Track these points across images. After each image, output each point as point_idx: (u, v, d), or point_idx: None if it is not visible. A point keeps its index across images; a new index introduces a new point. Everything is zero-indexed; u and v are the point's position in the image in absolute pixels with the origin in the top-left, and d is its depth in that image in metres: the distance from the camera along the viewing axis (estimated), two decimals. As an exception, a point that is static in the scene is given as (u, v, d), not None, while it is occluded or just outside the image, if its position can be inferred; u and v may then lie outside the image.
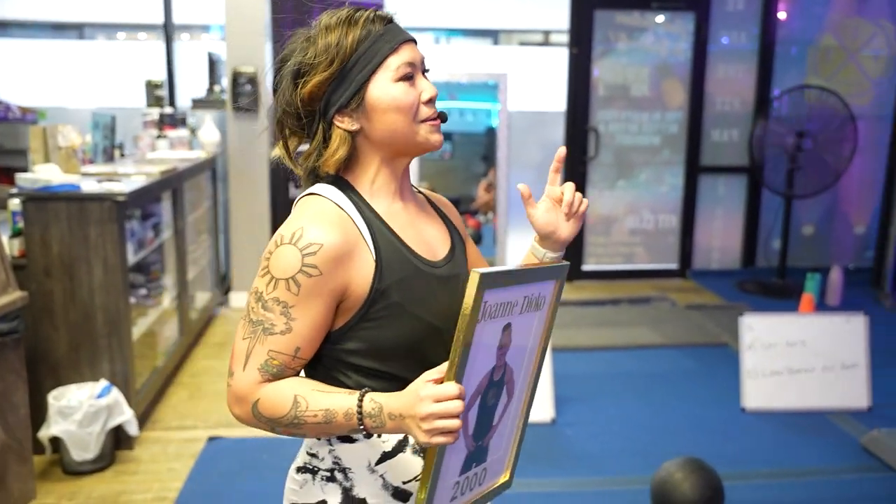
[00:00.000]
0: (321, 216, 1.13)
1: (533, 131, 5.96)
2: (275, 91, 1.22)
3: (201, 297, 4.66)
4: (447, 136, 6.81)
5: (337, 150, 1.17)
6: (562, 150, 1.30)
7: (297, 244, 1.09)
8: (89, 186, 3.01)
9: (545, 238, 1.26)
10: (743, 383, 3.61)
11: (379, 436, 1.18)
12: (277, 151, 1.25)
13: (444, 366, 1.03)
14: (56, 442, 2.93)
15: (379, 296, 1.13)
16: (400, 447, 1.20)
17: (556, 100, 5.89)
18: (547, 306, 1.19)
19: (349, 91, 1.15)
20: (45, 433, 2.87)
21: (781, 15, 5.80)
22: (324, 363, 1.18)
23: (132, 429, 3.02)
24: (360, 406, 1.07)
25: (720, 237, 6.16)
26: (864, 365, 3.64)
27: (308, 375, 1.19)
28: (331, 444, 1.20)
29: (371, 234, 1.15)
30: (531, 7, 6.16)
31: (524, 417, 1.25)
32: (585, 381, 3.91)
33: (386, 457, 1.19)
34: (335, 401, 1.08)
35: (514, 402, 1.20)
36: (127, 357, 3.07)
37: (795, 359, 3.63)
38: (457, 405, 1.00)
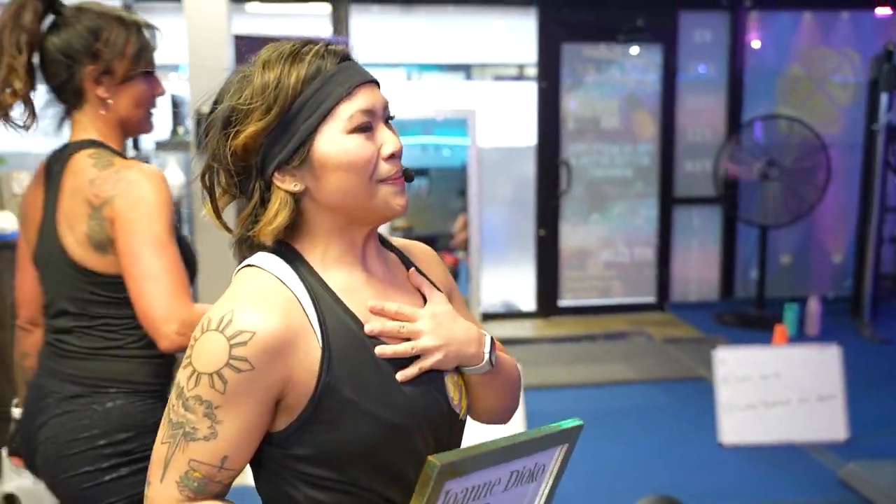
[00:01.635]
0: (257, 296, 0.97)
1: (505, 166, 6.04)
2: (204, 136, 1.06)
3: (167, 343, 4.64)
4: (423, 172, 6.88)
5: (276, 215, 0.99)
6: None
7: (224, 332, 0.94)
8: (45, 234, 3.02)
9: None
10: (719, 418, 3.64)
11: None
12: (205, 212, 1.08)
13: None
14: (11, 499, 2.89)
15: (327, 392, 0.97)
16: None
17: (528, 134, 5.98)
18: (547, 475, 1.02)
19: (292, 144, 0.97)
20: (-1, 490, 2.84)
21: (756, 44, 5.96)
22: (268, 470, 1.02)
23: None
24: None
25: (697, 269, 6.23)
26: (840, 396, 3.67)
27: (255, 481, 1.06)
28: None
29: (319, 317, 0.98)
30: (503, 41, 6.27)
31: None
32: (558, 419, 3.90)
33: None
34: None
35: None
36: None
37: (770, 392, 3.67)
38: None
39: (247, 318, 0.94)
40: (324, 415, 0.97)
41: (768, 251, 5.93)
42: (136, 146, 5.30)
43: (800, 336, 5.19)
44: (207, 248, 4.97)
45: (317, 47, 0.99)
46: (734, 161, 5.63)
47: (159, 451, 0.98)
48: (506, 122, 6.16)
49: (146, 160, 4.78)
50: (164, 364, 1.67)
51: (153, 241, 1.48)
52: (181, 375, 0.96)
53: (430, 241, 1.34)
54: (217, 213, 1.07)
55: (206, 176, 1.05)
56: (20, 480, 2.82)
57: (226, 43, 4.76)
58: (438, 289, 1.14)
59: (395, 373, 1.01)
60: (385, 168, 1.00)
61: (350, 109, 0.98)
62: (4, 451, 2.87)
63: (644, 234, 6.12)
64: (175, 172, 4.81)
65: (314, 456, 0.98)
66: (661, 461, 3.49)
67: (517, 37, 6.05)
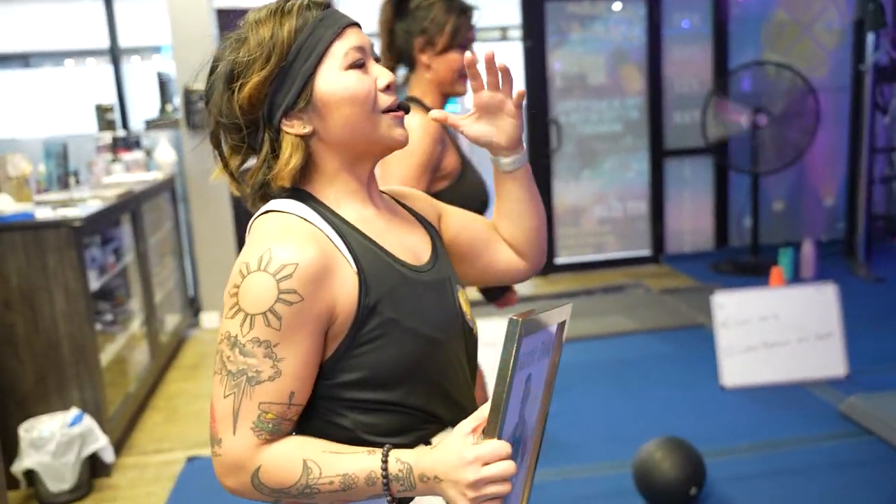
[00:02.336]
0: (288, 233, 0.99)
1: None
2: (207, 103, 1.08)
3: (171, 320, 4.68)
4: (410, 140, 6.88)
5: (290, 158, 1.03)
6: (481, 55, 1.16)
7: (267, 269, 0.95)
8: (44, 214, 3.04)
9: (493, 148, 1.18)
10: (719, 361, 3.69)
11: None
12: (217, 174, 1.12)
13: (481, 413, 0.93)
14: (30, 475, 2.94)
15: (368, 313, 1.00)
16: None
17: (516, 94, 5.97)
18: (552, 350, 1.08)
19: (294, 88, 1.02)
20: (18, 467, 2.89)
21: (735, -6, 5.95)
22: (314, 405, 1.03)
23: (108, 456, 3.05)
24: (384, 468, 0.95)
25: (691, 220, 6.27)
26: (838, 334, 3.73)
27: (298, 425, 1.05)
28: None
29: (347, 246, 1.02)
30: (484, 4, 6.25)
31: (532, 471, 1.11)
32: (562, 372, 3.94)
33: None
34: (354, 463, 0.96)
35: (526, 458, 1.06)
36: (97, 384, 3.10)
37: (770, 333, 3.72)
38: (509, 467, 0.90)
39: (286, 253, 0.96)
40: (367, 336, 1.00)
41: (761, 198, 5.98)
42: (125, 126, 5.30)
43: (796, 280, 5.24)
44: (203, 222, 5.00)
45: (300, 1, 1.04)
46: (726, 109, 5.64)
47: (223, 405, 0.97)
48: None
49: (136, 140, 4.78)
50: None
51: (403, 175, 1.83)
52: (230, 325, 0.96)
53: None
54: (231, 172, 1.10)
55: (216, 137, 1.09)
56: (38, 457, 2.87)
57: (209, 17, 4.74)
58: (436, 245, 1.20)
59: (424, 291, 1.06)
60: (384, 98, 1.05)
61: (343, 47, 1.03)
62: (22, 430, 2.92)
63: (636, 187, 6.15)
64: (166, 150, 4.81)
65: (360, 380, 1.01)
66: (665, 407, 3.55)
67: (499, -2, 6.02)
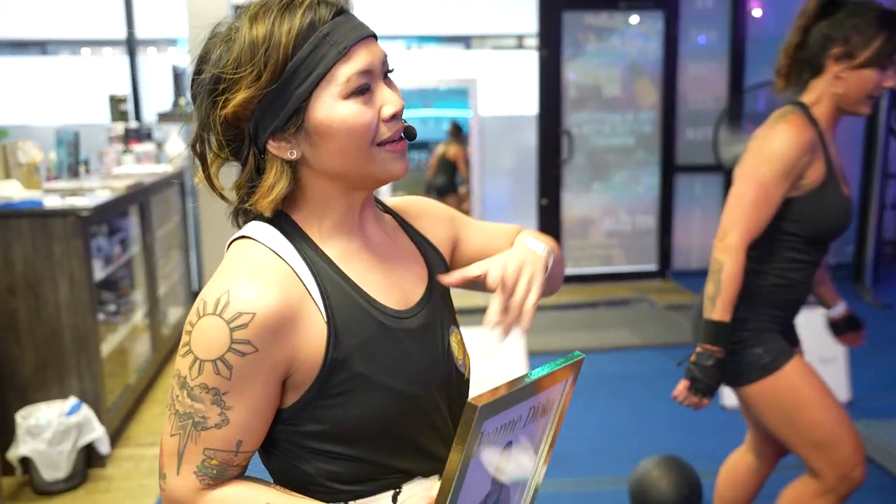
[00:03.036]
0: (254, 272, 0.91)
1: (506, 136, 6.05)
2: (193, 101, 0.98)
3: (174, 313, 4.68)
4: (423, 145, 6.88)
5: (274, 186, 0.93)
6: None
7: (222, 315, 0.88)
8: (52, 202, 3.04)
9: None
10: (721, 380, 3.67)
11: None
12: (198, 178, 1.01)
13: (429, 496, 0.90)
14: (26, 462, 2.94)
15: (336, 367, 0.93)
16: None
17: (529, 103, 5.98)
18: (556, 407, 1.01)
19: (285, 111, 0.90)
20: (14, 454, 2.89)
21: (757, 12, 5.93)
22: (278, 447, 0.99)
23: (103, 446, 3.04)
24: None
25: (699, 236, 6.25)
26: (842, 358, 3.71)
27: (263, 459, 1.03)
28: None
29: (321, 290, 0.94)
30: (502, 12, 6.25)
31: None
32: (564, 384, 3.96)
33: None
34: None
35: None
36: (96, 374, 3.09)
37: (773, 354, 3.70)
38: None
39: (245, 297, 0.88)
40: (334, 390, 0.93)
41: (770, 218, 5.94)
42: (137, 118, 5.31)
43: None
44: (211, 217, 5.00)
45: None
46: (739, 128, 5.63)
47: (170, 443, 0.93)
48: (507, 91, 6.16)
49: (148, 132, 4.79)
50: None
51: (749, 176, 1.89)
52: (181, 364, 0.91)
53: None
54: (209, 179, 0.99)
55: (197, 144, 0.98)
56: (34, 444, 2.87)
57: (225, 11, 4.75)
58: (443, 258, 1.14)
59: (405, 339, 0.98)
60: (384, 131, 0.94)
61: (347, 72, 0.90)
62: (19, 416, 2.92)
63: (645, 202, 6.14)
64: (177, 143, 4.82)
65: (325, 432, 0.95)
66: (664, 424, 3.53)
67: (516, 7, 6.03)
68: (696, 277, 6.07)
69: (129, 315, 3.86)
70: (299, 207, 0.98)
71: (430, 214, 1.16)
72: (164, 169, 4.47)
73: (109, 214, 3.45)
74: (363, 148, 0.92)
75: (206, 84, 0.93)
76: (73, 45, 6.74)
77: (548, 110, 5.86)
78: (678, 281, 6.07)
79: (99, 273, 3.31)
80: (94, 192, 3.40)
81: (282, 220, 0.98)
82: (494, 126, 5.99)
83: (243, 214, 1.01)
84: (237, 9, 0.96)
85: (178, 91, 5.11)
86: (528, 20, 5.92)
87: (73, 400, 2.98)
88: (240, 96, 0.90)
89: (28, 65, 6.32)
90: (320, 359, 0.92)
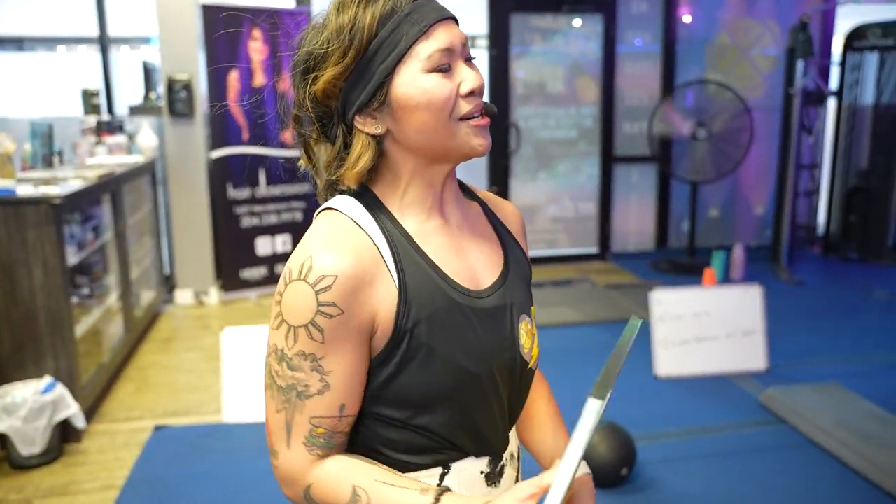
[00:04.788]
0: (332, 239, 0.89)
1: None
2: (292, 87, 0.97)
3: (146, 296, 4.57)
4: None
5: (359, 158, 0.91)
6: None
7: (307, 279, 0.86)
8: (25, 190, 2.93)
9: None
10: (655, 353, 3.71)
11: None
12: (303, 163, 1.00)
13: (540, 482, 0.83)
14: (3, 438, 2.85)
15: (404, 335, 0.89)
16: None
17: (480, 99, 5.95)
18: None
19: (370, 86, 0.89)
20: (-10, 431, 2.79)
21: (686, 18, 5.98)
22: None
23: (79, 422, 2.96)
24: None
25: (635, 222, 6.32)
26: (761, 331, 3.78)
27: None
28: None
29: (395, 260, 0.91)
30: (456, 14, 6.21)
31: None
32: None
33: None
34: (404, 499, 0.87)
35: None
36: (71, 354, 3.00)
37: (701, 328, 3.75)
38: None
39: (326, 262, 0.86)
40: (399, 356, 0.90)
41: (698, 205, 6.04)
42: (110, 111, 5.15)
43: (726, 280, 5.30)
44: (181, 205, 4.89)
45: None
46: (669, 122, 5.68)
47: (276, 419, 0.90)
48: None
49: (120, 125, 4.65)
50: None
51: None
52: (276, 337, 0.88)
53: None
54: (312, 161, 0.98)
55: (296, 125, 0.97)
56: (10, 421, 2.77)
57: (194, 13, 4.62)
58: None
59: (475, 318, 0.94)
60: (464, 106, 0.90)
61: (428, 49, 0.88)
62: (-6, 395, 2.82)
63: (587, 190, 6.17)
64: (148, 135, 4.69)
65: (386, 396, 0.92)
66: (603, 392, 3.55)
67: (469, 9, 5.98)
68: (633, 259, 6.14)
69: (102, 298, 3.75)
70: (384, 181, 0.95)
71: (514, 218, 1.11)
72: (136, 160, 4.34)
73: (82, 202, 3.34)
74: (444, 120, 0.89)
75: (300, 63, 0.92)
76: (50, 42, 6.52)
77: (497, 105, 5.82)
78: (617, 262, 6.12)
79: (72, 258, 3.21)
80: (66, 182, 3.29)
81: (366, 194, 0.95)
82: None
83: (332, 190, 0.98)
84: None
85: (149, 86, 4.98)
86: (479, 22, 5.88)
87: (47, 379, 2.89)
88: (328, 73, 0.89)
89: (5, 61, 6.08)
90: (391, 325, 0.89)
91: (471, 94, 0.90)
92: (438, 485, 0.94)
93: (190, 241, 4.94)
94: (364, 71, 0.89)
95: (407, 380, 0.90)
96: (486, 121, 0.92)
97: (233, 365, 3.23)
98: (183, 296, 5.01)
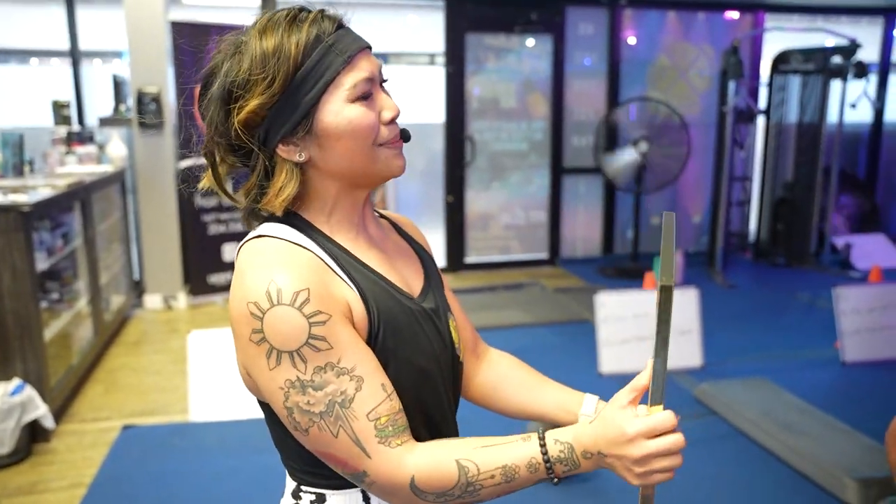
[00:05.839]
0: (280, 260, 0.84)
1: (417, 141, 6.03)
2: (203, 118, 0.92)
3: (116, 300, 4.50)
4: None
5: (284, 186, 0.88)
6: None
7: (282, 302, 0.81)
8: (-5, 199, 2.87)
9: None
10: (599, 352, 3.77)
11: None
12: (206, 182, 0.95)
13: (636, 385, 0.81)
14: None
15: (374, 339, 0.88)
16: None
17: (437, 113, 5.98)
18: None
19: (296, 116, 0.86)
20: (-41, 432, 2.72)
21: (631, 40, 6.09)
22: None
23: (48, 422, 2.90)
24: (545, 451, 0.83)
25: (583, 229, 6.40)
26: (696, 330, 3.85)
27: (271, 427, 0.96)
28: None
29: (344, 271, 0.89)
30: (416, 33, 6.22)
31: None
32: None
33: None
34: (511, 453, 0.84)
35: None
36: (40, 356, 2.94)
37: (642, 328, 3.81)
38: (677, 440, 0.79)
39: (290, 280, 0.82)
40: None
41: (641, 213, 6.15)
42: (80, 122, 5.06)
43: (665, 284, 5.39)
44: (150, 213, 4.82)
45: (312, 14, 0.87)
46: (615, 135, 5.78)
47: (341, 443, 0.83)
48: (418, 102, 6.14)
49: (90, 135, 4.57)
50: None
51: None
52: (280, 373, 0.82)
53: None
54: (219, 182, 0.94)
55: (208, 150, 0.93)
56: (-21, 423, 2.70)
57: (163, 29, 4.57)
58: None
59: (420, 320, 0.93)
60: (385, 132, 0.90)
61: (353, 79, 0.87)
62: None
63: (538, 199, 6.24)
64: (117, 145, 4.62)
65: None
66: (551, 388, 3.60)
67: (428, 28, 6.02)
68: (581, 264, 6.22)
69: (72, 302, 3.68)
70: (307, 206, 0.93)
71: (417, 231, 1.13)
72: (106, 169, 4.27)
73: (51, 210, 3.28)
74: (367, 147, 0.88)
75: (218, 94, 0.87)
76: (23, 55, 6.36)
77: (453, 119, 5.88)
78: (565, 267, 6.19)
79: (42, 264, 3.15)
80: (36, 190, 3.22)
81: (293, 218, 0.92)
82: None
83: (254, 216, 0.94)
84: (239, 29, 0.90)
85: (119, 98, 4.90)
86: (437, 40, 5.92)
87: (16, 381, 2.83)
88: (252, 103, 0.85)
89: (-25, 71, 5.91)
90: (365, 327, 0.87)
91: (391, 121, 0.91)
92: None
93: (159, 247, 4.87)
94: (289, 100, 0.85)
95: None
96: (402, 143, 0.93)
97: (199, 366, 3.20)
98: (152, 300, 4.94)
